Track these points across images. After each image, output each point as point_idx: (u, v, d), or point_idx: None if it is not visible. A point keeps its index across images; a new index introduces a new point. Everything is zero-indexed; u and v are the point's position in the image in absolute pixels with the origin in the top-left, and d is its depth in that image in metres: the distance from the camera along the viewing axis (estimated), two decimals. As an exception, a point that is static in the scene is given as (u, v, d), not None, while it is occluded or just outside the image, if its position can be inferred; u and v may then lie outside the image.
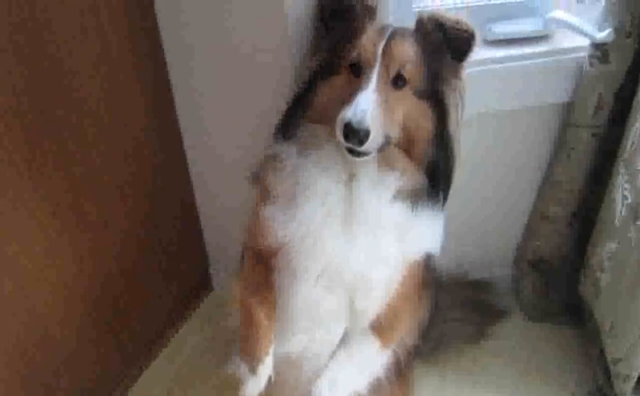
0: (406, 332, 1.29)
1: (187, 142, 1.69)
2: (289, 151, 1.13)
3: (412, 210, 1.11)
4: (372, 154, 1.06)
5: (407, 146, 1.09)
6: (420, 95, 1.07)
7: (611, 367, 1.47)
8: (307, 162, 1.11)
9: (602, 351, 1.55)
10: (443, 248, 1.22)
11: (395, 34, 1.08)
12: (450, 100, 1.09)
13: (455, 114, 1.10)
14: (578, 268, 1.65)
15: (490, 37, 1.49)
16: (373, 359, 1.25)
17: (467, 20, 1.09)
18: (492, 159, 1.66)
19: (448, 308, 1.76)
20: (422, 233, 1.16)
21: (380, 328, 1.22)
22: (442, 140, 1.10)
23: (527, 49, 1.47)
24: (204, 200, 1.81)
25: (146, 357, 1.73)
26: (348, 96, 1.03)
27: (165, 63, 1.54)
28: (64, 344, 1.42)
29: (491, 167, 1.68)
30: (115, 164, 1.47)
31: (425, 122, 1.08)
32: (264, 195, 1.16)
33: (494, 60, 1.46)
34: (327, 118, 1.07)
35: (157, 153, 1.62)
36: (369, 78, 1.03)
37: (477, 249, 1.82)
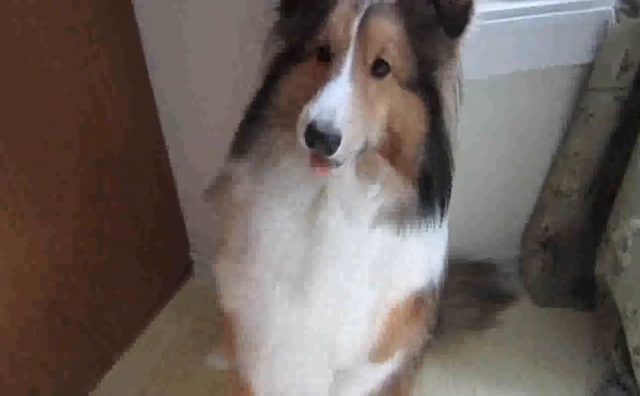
0: (405, 352, 1.14)
1: (166, 129, 1.60)
2: (241, 171, 0.93)
3: (398, 233, 0.90)
4: (346, 164, 0.84)
5: (392, 150, 0.88)
6: (408, 84, 0.86)
7: (633, 355, 1.36)
8: (261, 188, 0.91)
9: (619, 336, 1.45)
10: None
11: (373, 9, 0.86)
12: (446, 88, 0.88)
13: (452, 105, 0.90)
14: (592, 247, 1.53)
15: (501, -12, 1.32)
16: (370, 376, 1.12)
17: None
18: (500, 128, 1.51)
19: (449, 292, 1.62)
20: (413, 264, 0.96)
21: (373, 355, 1.05)
22: (437, 140, 0.88)
23: (544, 1, 1.29)
24: (184, 186, 1.71)
25: (123, 349, 1.64)
26: (316, 90, 0.81)
27: (140, 45, 1.47)
28: (35, 339, 1.34)
29: (499, 137, 1.53)
30: (92, 149, 1.39)
31: (415, 119, 0.87)
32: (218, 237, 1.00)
33: (505, 14, 1.28)
34: (291, 121, 0.84)
35: (135, 135, 1.52)
36: (340, 66, 0.81)
37: (481, 229, 1.70)
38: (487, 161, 1.56)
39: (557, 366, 1.57)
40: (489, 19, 1.26)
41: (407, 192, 0.89)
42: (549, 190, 1.56)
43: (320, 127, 0.75)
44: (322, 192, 0.89)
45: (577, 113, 1.40)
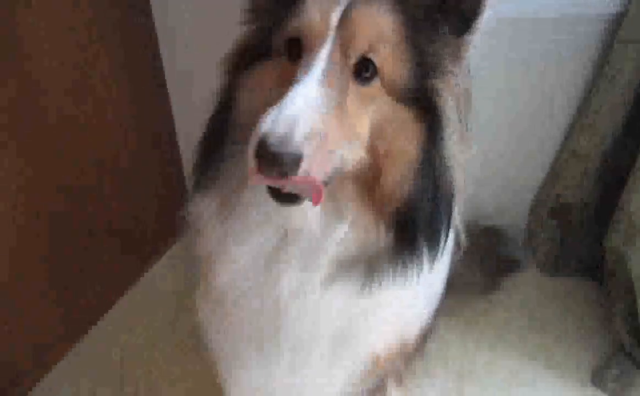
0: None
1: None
2: (207, 213, 0.77)
3: (364, 288, 0.72)
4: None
5: (370, 179, 0.69)
6: (400, 94, 0.68)
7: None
8: (228, 233, 0.76)
9: (628, 310, 1.38)
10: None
11: None
12: (448, 103, 0.69)
13: (456, 126, 0.70)
14: (604, 218, 1.46)
15: None
16: None
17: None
18: (514, 82, 1.41)
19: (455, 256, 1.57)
20: (386, 323, 0.81)
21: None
22: (432, 170, 0.69)
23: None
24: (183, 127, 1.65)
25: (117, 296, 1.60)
26: (281, 97, 0.62)
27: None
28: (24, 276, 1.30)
29: (512, 93, 1.43)
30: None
31: (405, 140, 0.68)
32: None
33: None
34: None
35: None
36: (312, 64, 0.64)
37: (490, 194, 1.61)
38: (500, 117, 1.47)
39: (563, 334, 1.52)
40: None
41: (377, 236, 0.71)
42: (565, 153, 1.48)
43: (272, 142, 0.56)
44: (283, 237, 0.74)
45: (602, 68, 1.32)
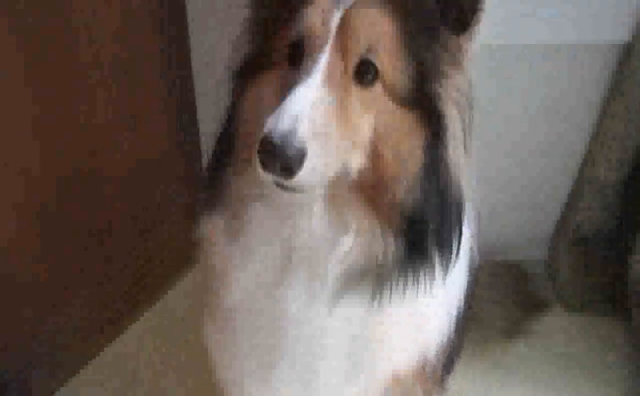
0: None
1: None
2: (216, 231, 0.79)
3: (374, 301, 0.72)
4: (314, 199, 0.70)
5: (374, 186, 0.69)
6: (402, 99, 0.68)
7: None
8: (236, 251, 0.77)
9: None
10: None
11: (360, 0, 0.69)
12: (450, 107, 0.70)
13: (458, 129, 0.71)
14: (625, 249, 1.44)
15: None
16: None
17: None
18: (530, 110, 1.42)
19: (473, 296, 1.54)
20: (400, 338, 0.80)
21: None
22: (437, 176, 0.69)
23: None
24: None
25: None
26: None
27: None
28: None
29: (527, 121, 1.44)
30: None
31: (409, 145, 0.68)
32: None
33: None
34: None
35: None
36: (313, 66, 0.65)
37: (508, 227, 1.60)
38: (515, 147, 1.48)
39: (589, 375, 1.47)
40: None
41: (386, 245, 0.70)
42: (583, 180, 1.47)
43: (276, 137, 0.57)
44: (289, 254, 0.74)
45: (617, 90, 1.33)
